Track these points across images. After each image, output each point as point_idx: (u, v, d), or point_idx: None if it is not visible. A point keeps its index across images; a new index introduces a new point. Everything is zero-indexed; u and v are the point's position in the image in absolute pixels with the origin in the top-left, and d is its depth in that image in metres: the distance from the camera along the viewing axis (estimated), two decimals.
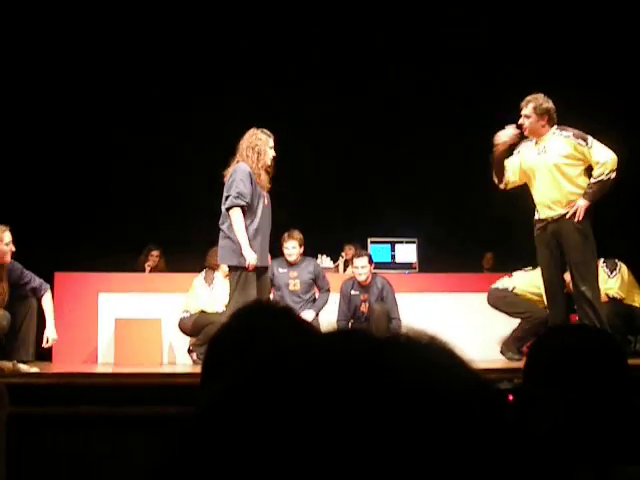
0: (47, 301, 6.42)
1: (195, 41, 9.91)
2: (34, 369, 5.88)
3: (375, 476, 0.41)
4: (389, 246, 8.67)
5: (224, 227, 5.88)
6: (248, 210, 5.80)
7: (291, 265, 7.48)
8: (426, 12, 10.07)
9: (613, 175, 5.58)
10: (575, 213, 5.59)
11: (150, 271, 8.93)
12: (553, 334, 1.79)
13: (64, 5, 9.52)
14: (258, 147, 5.87)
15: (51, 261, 7.86)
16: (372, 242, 8.60)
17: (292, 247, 7.43)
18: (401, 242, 8.70)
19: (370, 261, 7.47)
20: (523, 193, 6.02)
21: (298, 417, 0.43)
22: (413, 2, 10.16)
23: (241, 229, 5.73)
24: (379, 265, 8.25)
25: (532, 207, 5.92)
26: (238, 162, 5.88)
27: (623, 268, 7.37)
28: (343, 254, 9.23)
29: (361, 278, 7.42)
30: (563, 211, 5.66)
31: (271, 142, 5.97)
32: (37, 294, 6.44)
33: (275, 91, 9.97)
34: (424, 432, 0.42)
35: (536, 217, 5.86)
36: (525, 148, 5.89)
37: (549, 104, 5.74)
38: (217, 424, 0.46)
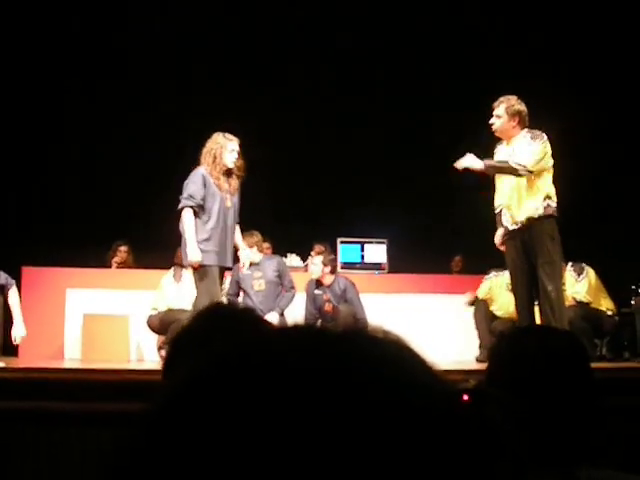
0: (13, 297, 6.34)
1: (166, 37, 9.87)
2: (0, 364, 5.82)
3: (328, 470, 0.42)
4: (359, 246, 8.68)
5: (181, 228, 5.99)
6: (201, 210, 5.94)
7: (254, 265, 7.46)
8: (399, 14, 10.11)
9: (517, 173, 5.57)
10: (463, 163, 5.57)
11: (118, 267, 8.84)
12: (516, 336, 1.80)
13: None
14: (214, 150, 6.00)
15: (19, 255, 7.77)
16: (342, 242, 8.61)
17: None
18: (371, 242, 8.72)
19: (327, 262, 7.50)
20: (492, 195, 6.03)
21: (249, 413, 0.43)
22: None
23: (189, 228, 5.88)
24: (348, 265, 8.27)
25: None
26: (201, 165, 6.02)
27: (590, 272, 7.44)
28: (312, 253, 9.20)
29: (313, 275, 7.51)
30: (527, 214, 5.68)
31: (231, 145, 6.04)
32: (3, 290, 6.36)
33: (248, 89, 9.94)
34: (371, 429, 0.43)
35: (503, 220, 5.86)
36: (498, 150, 5.91)
37: (521, 106, 5.75)
38: (173, 419, 0.46)
